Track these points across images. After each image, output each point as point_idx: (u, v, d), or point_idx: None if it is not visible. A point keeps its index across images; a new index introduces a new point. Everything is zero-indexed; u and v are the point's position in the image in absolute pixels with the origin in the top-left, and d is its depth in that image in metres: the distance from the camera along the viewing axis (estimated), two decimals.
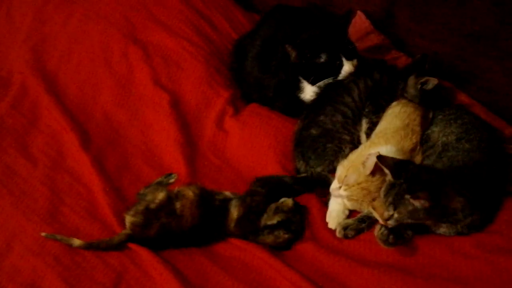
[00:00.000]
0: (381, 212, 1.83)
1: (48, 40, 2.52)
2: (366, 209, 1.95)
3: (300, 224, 1.97)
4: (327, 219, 1.99)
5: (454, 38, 2.37)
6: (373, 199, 1.88)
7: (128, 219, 1.86)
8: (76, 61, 2.45)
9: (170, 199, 1.87)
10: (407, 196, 1.74)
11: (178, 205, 1.86)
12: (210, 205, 1.91)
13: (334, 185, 1.96)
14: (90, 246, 1.84)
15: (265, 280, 1.83)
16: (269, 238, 1.91)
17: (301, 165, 2.14)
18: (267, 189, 2.02)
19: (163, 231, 1.85)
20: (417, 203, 1.73)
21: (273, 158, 2.15)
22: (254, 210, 1.94)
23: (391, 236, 1.82)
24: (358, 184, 1.89)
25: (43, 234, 1.85)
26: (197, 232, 1.89)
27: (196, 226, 1.88)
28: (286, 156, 2.18)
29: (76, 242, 1.84)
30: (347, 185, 1.90)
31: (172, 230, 1.86)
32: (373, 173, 1.88)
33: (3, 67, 2.48)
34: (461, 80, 2.40)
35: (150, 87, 2.35)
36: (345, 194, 1.91)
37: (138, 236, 1.86)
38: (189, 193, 1.89)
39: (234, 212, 1.92)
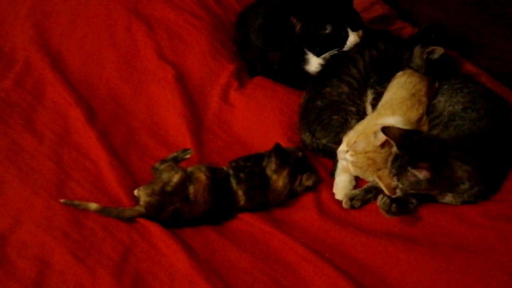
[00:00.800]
0: (386, 183, 1.83)
1: (51, 16, 2.51)
2: (369, 178, 1.96)
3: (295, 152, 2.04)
4: (334, 190, 2.00)
5: (460, 7, 2.35)
6: (378, 169, 1.89)
7: (143, 198, 1.87)
8: (79, 36, 2.44)
9: (184, 181, 1.88)
10: (409, 168, 1.74)
11: (191, 189, 1.87)
12: (219, 187, 1.91)
13: (342, 147, 1.96)
14: (103, 211, 1.85)
15: (271, 252, 1.84)
16: (271, 172, 1.96)
17: (307, 137, 2.14)
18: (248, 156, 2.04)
19: (176, 215, 1.86)
20: (419, 174, 1.73)
21: (279, 131, 2.16)
22: (253, 178, 1.95)
23: (393, 205, 1.83)
24: (365, 152, 1.89)
25: (61, 200, 1.86)
26: (209, 215, 1.90)
27: (209, 211, 1.89)
28: (292, 129, 2.19)
29: (93, 206, 1.85)
30: (354, 151, 1.91)
31: (184, 215, 1.87)
32: (382, 145, 1.88)
33: (6, 44, 2.47)
34: (467, 49, 2.38)
35: (155, 61, 2.34)
36: (350, 159, 1.92)
37: (151, 216, 1.86)
38: (202, 176, 1.90)
39: (238, 190, 1.93)
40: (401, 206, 1.84)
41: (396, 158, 1.80)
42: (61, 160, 2.03)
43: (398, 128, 1.86)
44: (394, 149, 1.82)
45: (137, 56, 2.38)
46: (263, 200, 1.96)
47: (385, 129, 1.82)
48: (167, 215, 1.86)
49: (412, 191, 1.81)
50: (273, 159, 1.95)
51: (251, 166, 1.97)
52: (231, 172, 1.95)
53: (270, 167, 1.96)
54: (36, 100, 2.23)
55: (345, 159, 1.95)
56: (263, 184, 1.95)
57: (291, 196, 1.99)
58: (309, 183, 1.99)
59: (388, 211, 1.83)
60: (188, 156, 1.98)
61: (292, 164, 1.97)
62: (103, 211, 1.86)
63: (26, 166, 1.99)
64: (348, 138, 1.97)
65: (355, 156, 1.92)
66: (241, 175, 1.95)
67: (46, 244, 1.78)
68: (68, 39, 2.43)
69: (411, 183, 1.78)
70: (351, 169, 1.96)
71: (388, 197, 1.84)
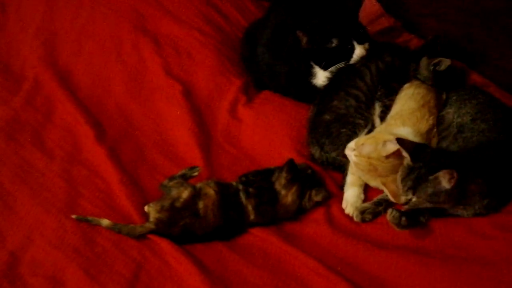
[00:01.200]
0: (391, 189, 1.83)
1: (58, 35, 2.53)
2: (370, 182, 1.97)
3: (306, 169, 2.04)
4: (343, 205, 1.99)
5: (465, 18, 2.36)
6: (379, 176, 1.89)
7: (153, 214, 1.87)
8: (87, 54, 2.46)
9: (194, 197, 1.88)
10: (431, 178, 1.73)
11: (201, 205, 1.87)
12: (229, 202, 1.91)
13: (351, 144, 1.96)
14: (115, 227, 1.86)
15: (284, 267, 1.83)
16: (281, 187, 1.95)
17: (315, 151, 2.14)
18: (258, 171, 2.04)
19: (187, 230, 1.87)
20: (443, 180, 1.72)
21: (289, 145, 2.16)
22: (262, 193, 1.94)
23: (403, 219, 1.82)
24: (369, 158, 1.89)
25: (73, 216, 1.87)
26: (220, 231, 1.90)
27: (219, 226, 1.89)
28: (300, 142, 2.19)
29: (105, 222, 1.86)
30: (359, 153, 1.91)
31: (195, 231, 1.87)
32: (387, 156, 1.88)
33: (15, 62, 2.49)
34: (474, 60, 2.39)
35: (162, 78, 2.35)
36: (354, 159, 1.93)
37: (162, 232, 1.87)
38: (210, 191, 1.90)
39: (248, 205, 1.93)
40: (411, 219, 1.83)
41: (412, 170, 1.78)
42: (71, 178, 2.04)
43: (411, 141, 1.86)
44: (407, 161, 1.81)
45: (144, 72, 2.39)
46: (273, 215, 1.96)
47: (399, 141, 1.82)
48: (177, 231, 1.86)
49: (427, 205, 1.80)
50: (284, 174, 1.95)
51: (259, 181, 1.97)
52: (240, 187, 1.96)
53: (280, 181, 1.95)
54: (45, 118, 2.25)
55: (349, 156, 1.95)
56: (272, 199, 1.94)
57: (301, 212, 1.99)
58: (318, 198, 1.98)
59: (398, 224, 1.82)
60: (196, 173, 1.99)
61: (302, 180, 1.97)
62: (114, 228, 1.86)
63: (36, 184, 2.00)
64: (358, 139, 1.98)
65: (358, 157, 1.92)
66: (250, 189, 1.95)
67: (58, 262, 1.78)
68: (76, 57, 2.45)
69: (430, 195, 1.76)
70: (353, 168, 1.97)
71: (398, 210, 1.83)
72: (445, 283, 1.73)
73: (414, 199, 1.78)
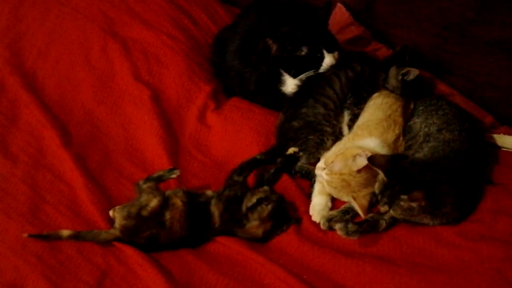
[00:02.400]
0: (361, 204, 1.84)
1: (25, 37, 2.49)
2: (343, 198, 1.96)
3: (281, 198, 1.97)
4: (311, 212, 1.99)
5: (433, 29, 2.38)
6: (352, 192, 1.89)
7: (119, 221, 1.85)
8: (54, 57, 2.42)
9: (162, 207, 1.87)
10: (403, 197, 1.76)
11: (168, 215, 1.86)
12: (197, 212, 1.90)
13: (320, 164, 1.96)
14: (78, 236, 1.83)
15: (249, 275, 1.83)
16: (254, 219, 1.90)
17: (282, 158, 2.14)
18: (245, 175, 2.02)
19: (152, 240, 1.85)
20: (413, 204, 1.75)
21: (256, 152, 2.15)
22: (233, 201, 1.94)
23: (349, 225, 1.85)
24: (341, 174, 1.89)
25: (25, 235, 1.82)
26: (186, 240, 1.89)
27: (185, 236, 1.88)
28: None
29: (65, 232, 1.83)
30: (330, 170, 1.91)
31: (160, 240, 1.86)
32: (359, 170, 1.88)
33: None
34: (441, 70, 2.42)
35: (131, 83, 2.33)
36: (326, 177, 1.92)
37: (127, 239, 1.85)
38: (178, 202, 1.89)
39: (215, 211, 1.92)
40: (360, 225, 1.86)
41: (387, 187, 1.80)
42: (35, 183, 2.01)
43: (383, 156, 1.87)
44: (381, 176, 1.83)
45: (113, 77, 2.36)
46: (234, 231, 1.94)
47: (371, 159, 1.83)
48: (143, 240, 1.85)
49: (404, 218, 1.83)
50: (268, 208, 1.91)
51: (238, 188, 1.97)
52: (215, 195, 1.95)
53: (259, 212, 1.91)
54: (10, 122, 2.21)
55: (320, 176, 1.95)
56: (238, 221, 1.92)
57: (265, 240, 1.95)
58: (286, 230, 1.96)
59: (346, 232, 1.85)
60: (174, 176, 1.99)
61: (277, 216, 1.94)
62: (76, 237, 1.83)
63: None
64: (327, 157, 1.97)
65: (330, 175, 1.92)
66: (226, 192, 1.95)
67: (19, 270, 1.76)
68: (43, 60, 2.42)
69: (404, 210, 1.79)
70: (326, 187, 1.96)
71: (343, 222, 1.86)
72: None
73: (392, 212, 1.81)
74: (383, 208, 1.83)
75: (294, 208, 2.03)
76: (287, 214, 1.98)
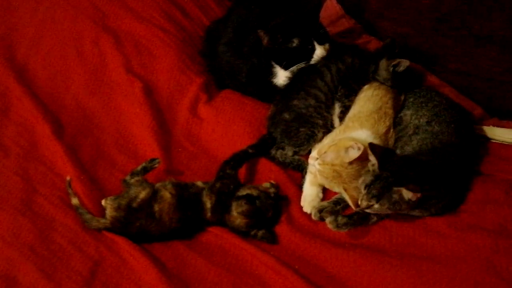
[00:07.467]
0: (351, 195, 1.85)
1: (17, 29, 2.47)
2: (334, 188, 1.97)
3: (269, 207, 1.94)
4: (302, 203, 2.01)
5: (423, 21, 2.40)
6: (343, 183, 1.91)
7: (110, 212, 1.86)
8: (46, 49, 2.41)
9: (150, 199, 1.88)
10: (396, 189, 1.75)
11: (156, 207, 1.87)
12: (187, 203, 1.91)
13: (313, 154, 1.97)
14: (79, 209, 1.89)
15: (241, 265, 1.85)
16: (233, 209, 1.91)
17: (275, 150, 2.15)
18: (237, 168, 2.02)
19: (143, 230, 1.87)
20: (409, 195, 1.75)
21: (247, 144, 2.15)
22: (225, 193, 1.94)
23: (339, 218, 1.87)
24: (333, 165, 1.90)
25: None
26: (178, 232, 1.90)
27: (176, 228, 1.89)
28: None
29: (75, 200, 1.91)
30: (323, 161, 1.92)
31: (151, 232, 1.87)
32: (351, 162, 1.89)
33: None
34: (431, 62, 2.43)
35: (123, 75, 2.32)
36: (318, 167, 1.93)
37: (118, 230, 1.86)
38: (166, 194, 1.89)
39: (207, 202, 1.93)
40: (349, 218, 1.87)
41: (378, 179, 1.79)
42: (28, 175, 2.01)
43: (380, 147, 1.87)
44: (372, 168, 1.84)
45: (104, 69, 2.36)
46: (223, 221, 1.94)
47: (371, 146, 1.83)
48: (133, 231, 1.86)
49: (388, 211, 1.82)
50: (243, 207, 1.91)
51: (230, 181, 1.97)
52: (206, 186, 1.95)
53: (238, 204, 1.92)
54: (2, 114, 2.20)
55: (313, 166, 1.96)
56: (227, 207, 1.93)
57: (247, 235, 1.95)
58: (261, 240, 1.93)
59: (337, 226, 1.87)
60: (156, 165, 1.99)
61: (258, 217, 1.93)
62: (79, 209, 1.88)
63: None
64: (320, 147, 1.99)
65: (322, 165, 1.93)
66: (217, 184, 1.95)
67: (12, 260, 1.76)
68: (34, 52, 2.40)
69: (392, 203, 1.77)
70: (318, 177, 1.97)
71: (334, 213, 1.87)
72: (402, 281, 1.77)
73: (376, 206, 1.78)
74: (366, 203, 1.78)
75: (286, 200, 2.04)
76: (270, 221, 1.96)
